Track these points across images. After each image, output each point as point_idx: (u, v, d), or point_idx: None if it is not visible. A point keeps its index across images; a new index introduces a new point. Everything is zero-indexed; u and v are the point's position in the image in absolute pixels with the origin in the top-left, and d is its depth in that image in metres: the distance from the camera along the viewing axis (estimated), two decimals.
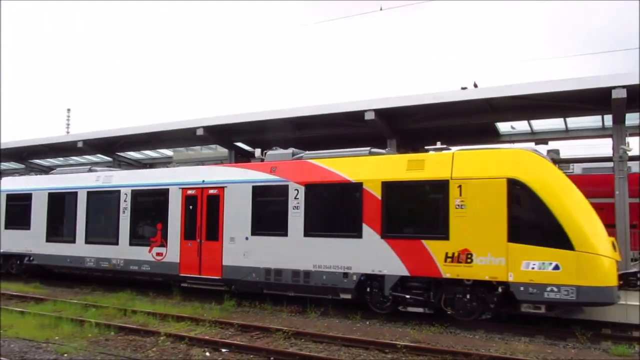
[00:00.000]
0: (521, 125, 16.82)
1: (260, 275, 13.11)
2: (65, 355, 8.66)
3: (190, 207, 14.47)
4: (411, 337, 9.74)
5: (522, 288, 10.16)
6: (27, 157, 25.61)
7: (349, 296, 12.08)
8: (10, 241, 18.39)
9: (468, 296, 10.82)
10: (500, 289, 10.48)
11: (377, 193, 11.75)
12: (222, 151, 20.79)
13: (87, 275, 18.23)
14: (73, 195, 16.97)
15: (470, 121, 15.59)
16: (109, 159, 23.23)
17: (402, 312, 11.60)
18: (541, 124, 16.59)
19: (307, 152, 13.82)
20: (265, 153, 14.26)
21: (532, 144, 16.08)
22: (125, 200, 15.73)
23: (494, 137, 17.45)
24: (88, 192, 16.70)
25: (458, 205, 10.83)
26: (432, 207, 11.36)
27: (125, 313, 11.98)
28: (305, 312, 12.35)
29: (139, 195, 15.60)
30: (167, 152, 23.53)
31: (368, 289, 11.87)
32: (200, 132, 18.01)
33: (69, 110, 51.64)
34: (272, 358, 8.54)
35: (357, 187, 12.02)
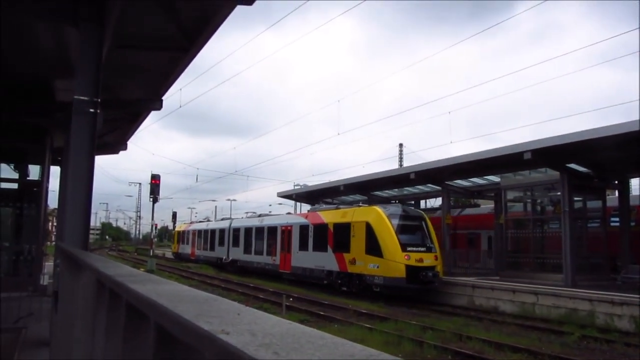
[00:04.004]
0: None
1: (301, 271, 25.61)
2: None
3: (282, 235, 28.07)
4: None
5: (368, 277, 20.19)
6: (369, 189, 28.93)
7: (326, 282, 23.50)
8: (234, 253, 35.45)
9: (357, 282, 21.15)
10: (365, 278, 20.56)
11: (332, 229, 23.10)
12: (553, 174, 20.02)
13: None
14: (251, 229, 32.73)
15: None
16: (439, 187, 25.15)
17: None
18: None
19: (323, 205, 25.84)
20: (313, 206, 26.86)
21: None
22: (265, 232, 30.43)
23: None
24: (255, 228, 32.16)
25: (353, 235, 21.44)
26: (346, 236, 22.01)
27: (460, 338, 12.34)
28: None
29: (269, 229, 30.06)
30: (494, 179, 23.86)
31: (331, 278, 23.12)
32: (527, 155, 17.47)
33: (401, 145, 60.29)
34: None
35: (326, 225, 23.58)
